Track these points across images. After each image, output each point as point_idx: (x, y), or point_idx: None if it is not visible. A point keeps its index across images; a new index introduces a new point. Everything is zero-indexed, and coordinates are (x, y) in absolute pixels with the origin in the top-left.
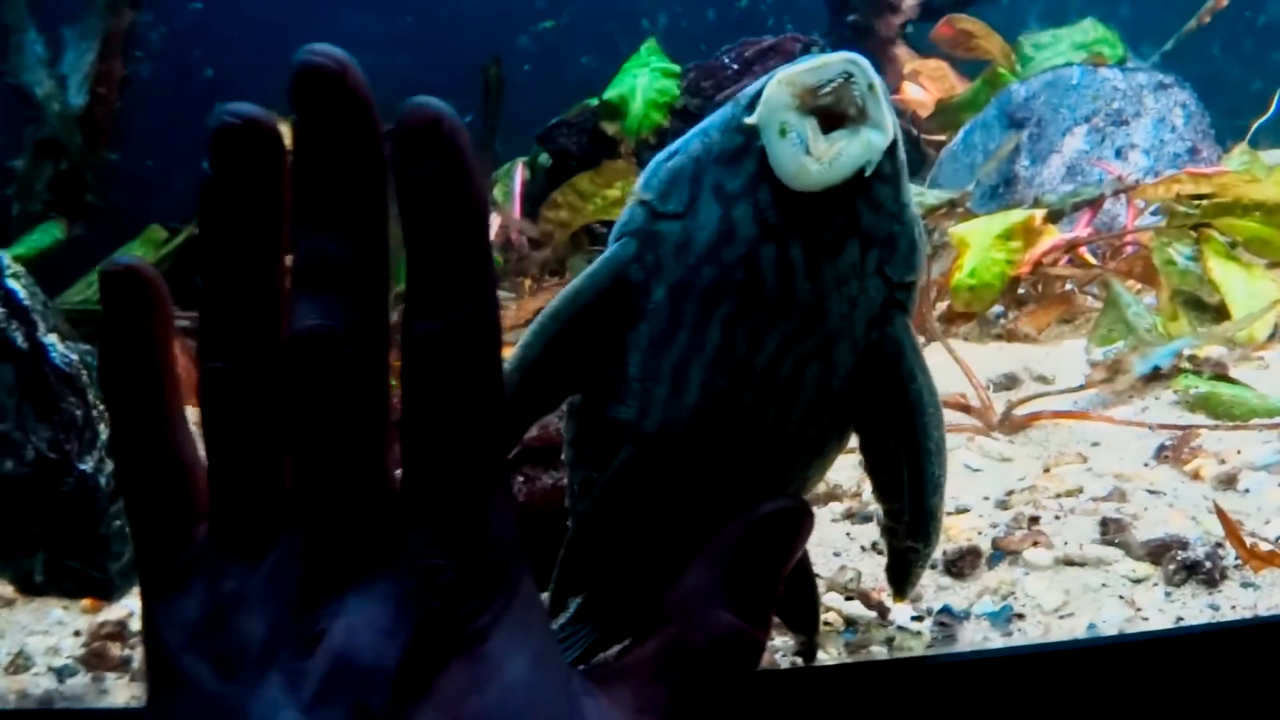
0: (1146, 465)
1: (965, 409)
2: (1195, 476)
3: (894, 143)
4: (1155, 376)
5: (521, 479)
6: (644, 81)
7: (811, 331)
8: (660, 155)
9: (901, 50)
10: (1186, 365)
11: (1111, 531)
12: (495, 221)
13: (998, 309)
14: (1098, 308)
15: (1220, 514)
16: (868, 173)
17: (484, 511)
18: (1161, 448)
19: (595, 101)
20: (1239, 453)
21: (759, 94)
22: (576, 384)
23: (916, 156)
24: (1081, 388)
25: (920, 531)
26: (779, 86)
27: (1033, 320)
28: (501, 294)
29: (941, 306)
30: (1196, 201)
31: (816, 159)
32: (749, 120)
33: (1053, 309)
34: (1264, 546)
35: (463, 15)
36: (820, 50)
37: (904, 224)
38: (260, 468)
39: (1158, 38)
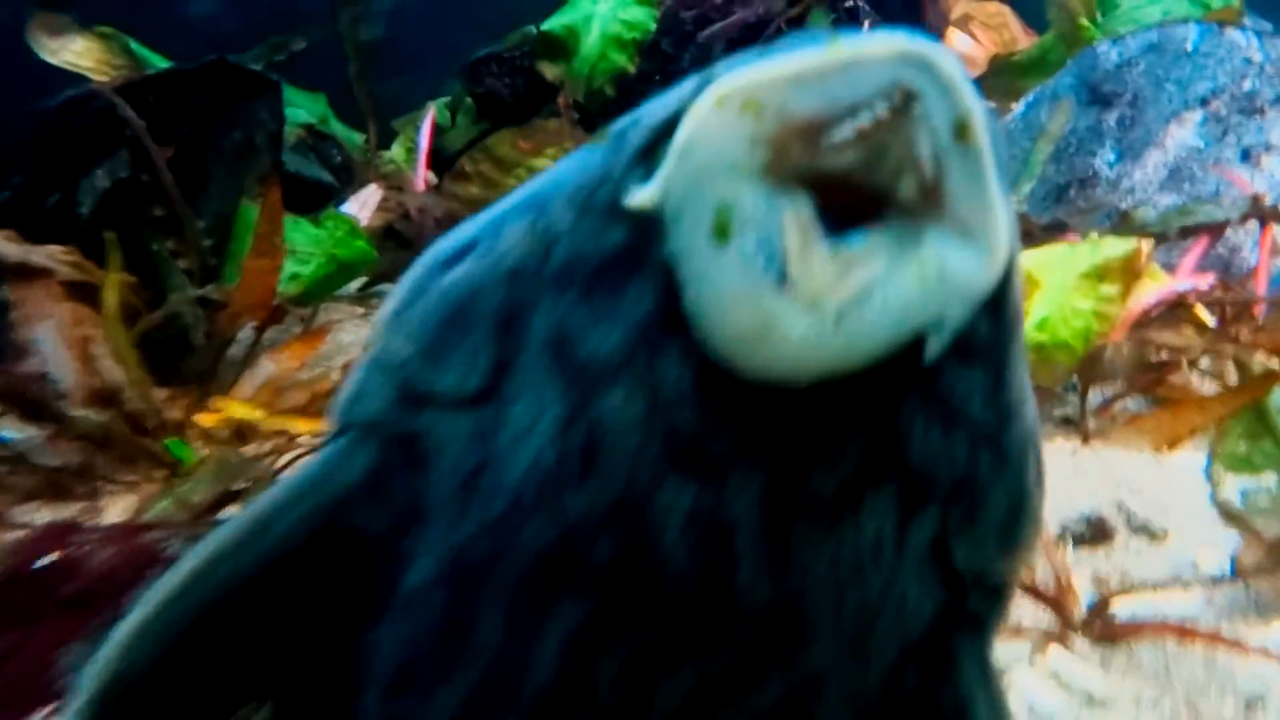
0: None
1: (1030, 590)
2: None
3: (1008, 273)
4: None
5: None
6: (605, 8)
7: (768, 674)
8: (438, 247)
9: None
10: None
11: None
12: (376, 194)
13: (1072, 380)
14: (1209, 390)
15: None
16: (933, 345)
17: None
18: None
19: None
20: None
21: (669, 122)
22: (248, 697)
23: None
24: (1223, 580)
25: None
26: (722, 114)
27: (1137, 431)
28: (378, 300)
29: None
30: None
31: (807, 302)
32: (641, 195)
33: (1180, 417)
34: None
35: None
36: (847, 19)
37: (1006, 454)
38: None
39: None
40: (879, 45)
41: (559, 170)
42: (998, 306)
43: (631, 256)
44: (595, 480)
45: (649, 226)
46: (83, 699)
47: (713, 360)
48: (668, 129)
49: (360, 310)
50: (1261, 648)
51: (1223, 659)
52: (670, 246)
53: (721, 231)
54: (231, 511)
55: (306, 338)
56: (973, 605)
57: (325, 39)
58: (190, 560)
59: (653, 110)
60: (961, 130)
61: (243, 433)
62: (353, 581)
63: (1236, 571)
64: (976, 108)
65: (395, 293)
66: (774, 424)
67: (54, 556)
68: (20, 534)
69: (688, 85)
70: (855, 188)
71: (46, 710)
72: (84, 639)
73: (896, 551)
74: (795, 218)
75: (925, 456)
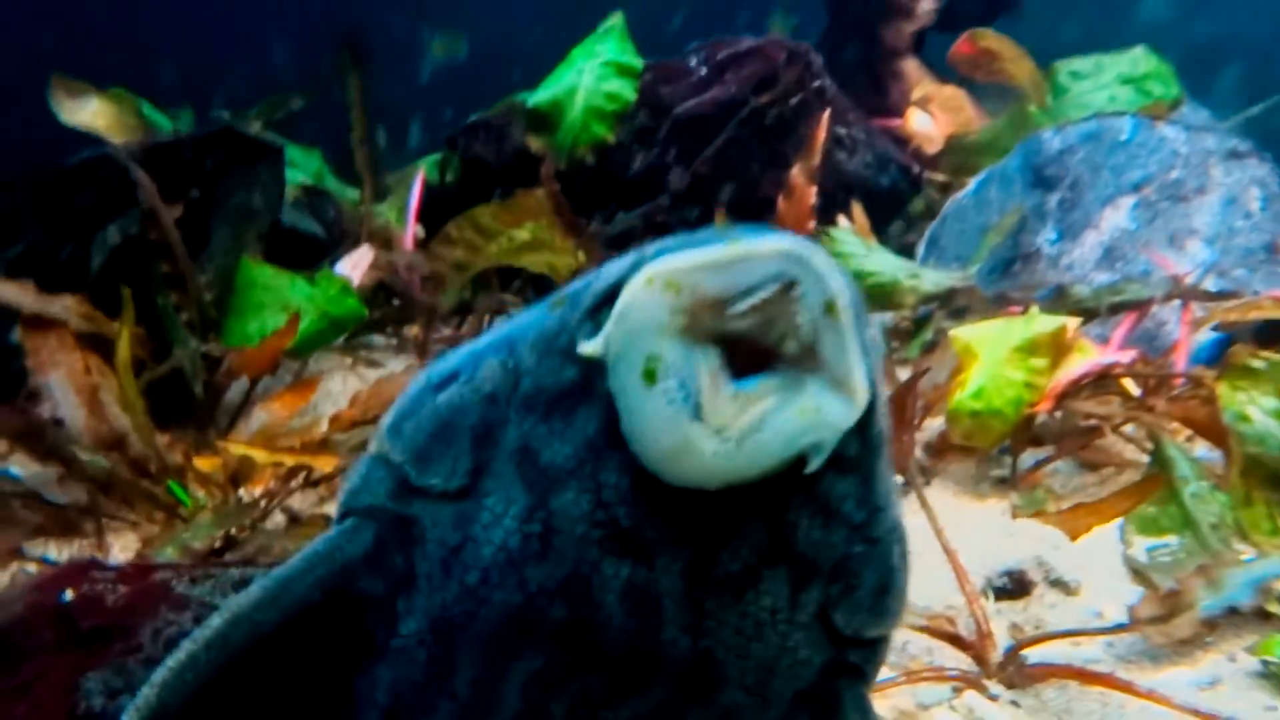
0: None
1: (953, 639)
2: None
3: (871, 407)
4: (1230, 615)
5: None
6: (589, 80)
7: (688, 711)
8: (428, 372)
9: (911, 66)
10: (1276, 606)
11: None
12: (368, 255)
13: (1004, 444)
14: (1135, 460)
15: None
16: (814, 463)
17: None
18: None
19: (526, 99)
20: None
21: (612, 290)
22: None
23: (921, 205)
24: (1122, 628)
25: None
26: (650, 289)
27: (1053, 520)
28: (376, 350)
29: (929, 428)
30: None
31: (715, 429)
32: (589, 346)
33: (1085, 514)
34: None
35: None
36: (816, 100)
37: (874, 542)
38: None
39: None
40: (769, 243)
41: (525, 320)
42: (864, 431)
43: (582, 390)
44: (551, 558)
45: (595, 368)
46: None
47: (644, 469)
48: (610, 296)
49: (349, 361)
50: (1150, 690)
51: (1117, 699)
52: (611, 384)
53: (650, 376)
54: (229, 556)
55: (298, 388)
56: (853, 659)
57: (322, 97)
58: (223, 613)
59: (598, 279)
60: (830, 308)
61: (236, 479)
62: (355, 633)
63: (1132, 621)
64: (842, 292)
65: (393, 407)
66: (692, 517)
67: (73, 593)
68: (33, 567)
69: (625, 261)
70: (752, 345)
71: None
72: (102, 668)
73: (789, 617)
74: (706, 366)
75: (810, 544)
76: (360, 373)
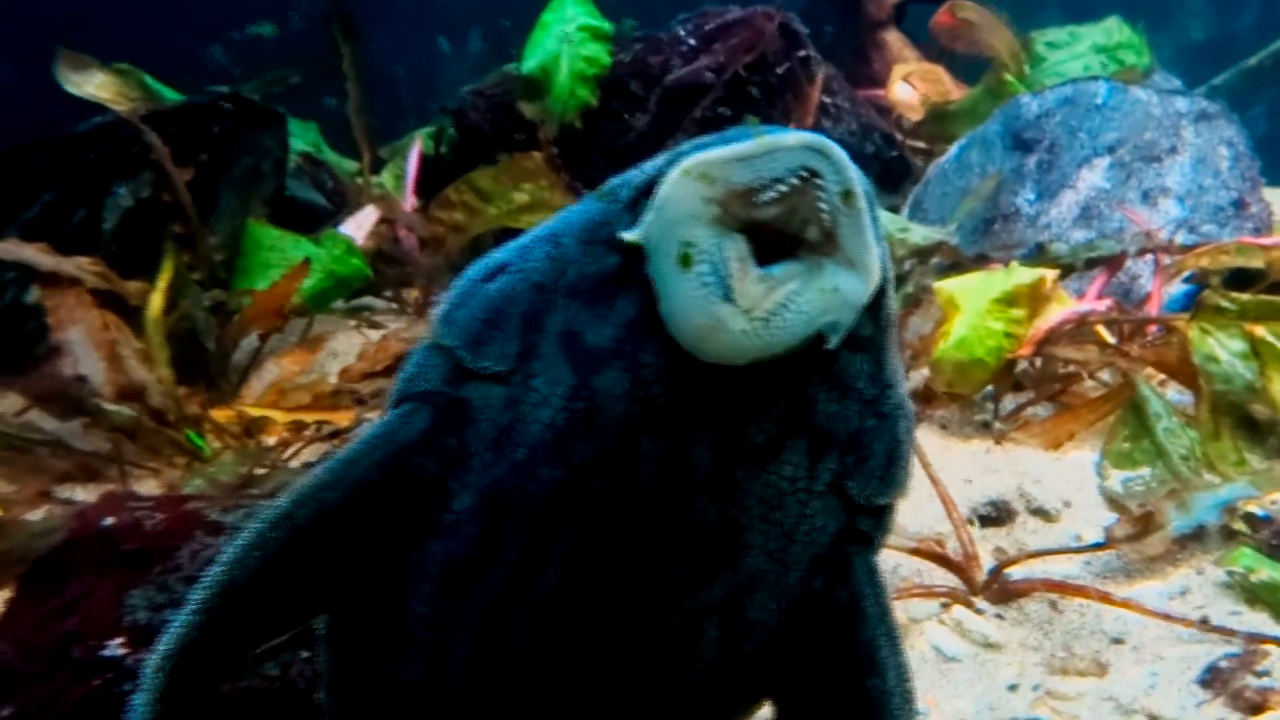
0: (1193, 703)
1: (941, 559)
2: None
3: (882, 290)
4: (1198, 534)
5: None
6: (568, 47)
7: (716, 576)
8: (476, 266)
9: (893, 37)
10: (1241, 525)
11: None
12: (372, 216)
13: (988, 389)
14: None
15: None
16: (832, 340)
17: None
18: (1213, 670)
19: (516, 68)
20: None
21: (649, 184)
22: (324, 604)
23: (900, 168)
24: (1099, 546)
25: None
26: (686, 181)
27: (1034, 433)
28: (378, 313)
29: (915, 378)
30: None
31: (743, 309)
32: (630, 234)
33: (1064, 422)
34: None
35: None
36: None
37: (884, 416)
38: None
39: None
40: (793, 137)
41: (569, 214)
42: (877, 312)
43: (622, 276)
44: (593, 435)
45: (635, 255)
46: (200, 596)
47: (679, 349)
48: (648, 188)
49: (351, 323)
50: (1125, 599)
51: (1094, 609)
52: (650, 269)
53: (685, 260)
54: (253, 490)
55: (305, 345)
56: (863, 526)
57: (317, 72)
58: (290, 494)
59: (636, 174)
60: (847, 196)
61: (250, 430)
62: (409, 512)
63: (1108, 540)
64: (858, 181)
65: (445, 298)
66: (722, 394)
67: (114, 519)
68: (62, 509)
69: (661, 159)
70: (777, 232)
71: (119, 640)
72: (145, 585)
73: (808, 486)
74: (735, 252)
75: (827, 417)
76: (364, 333)
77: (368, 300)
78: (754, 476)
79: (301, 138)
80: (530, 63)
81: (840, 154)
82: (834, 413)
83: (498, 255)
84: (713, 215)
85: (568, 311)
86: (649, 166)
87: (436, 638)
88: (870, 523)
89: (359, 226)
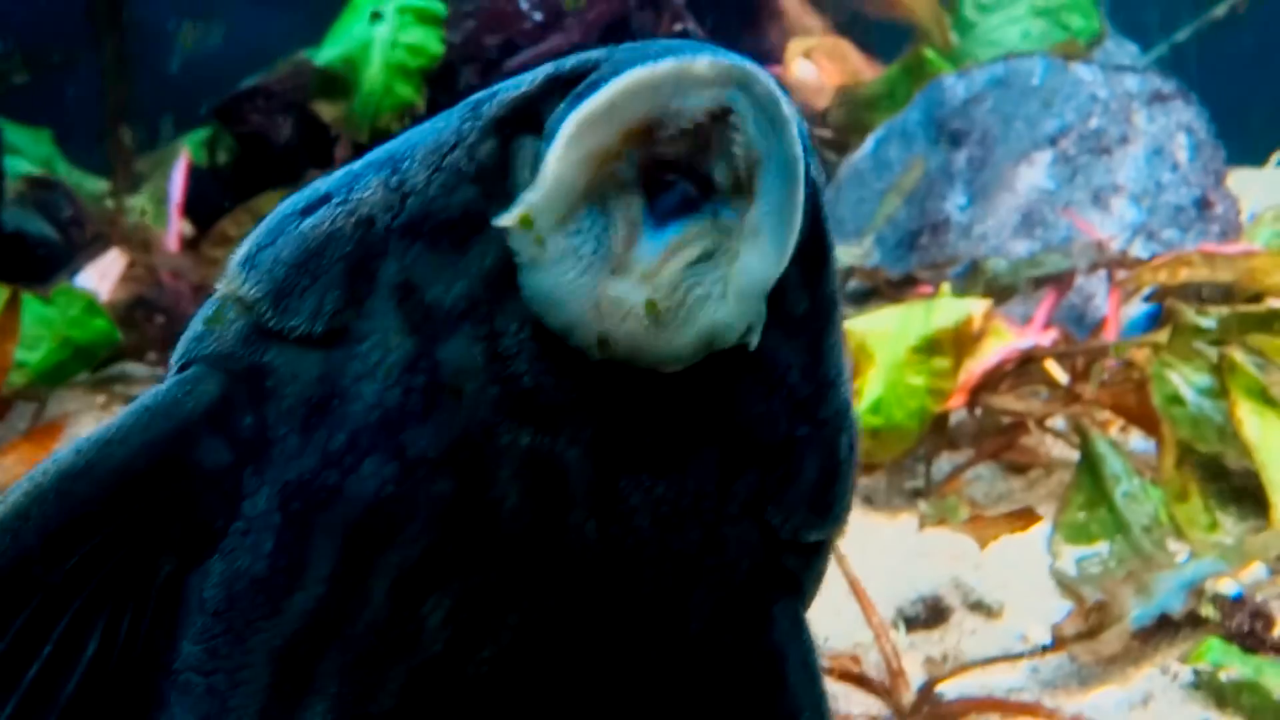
0: None
1: (858, 680)
2: None
3: (824, 258)
4: (1161, 623)
5: None
6: (384, 31)
7: (593, 619)
8: (294, 196)
9: (792, 3)
10: (1210, 609)
11: None
12: (118, 263)
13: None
14: (1064, 458)
15: None
16: (754, 336)
17: None
18: None
19: (312, 56)
20: None
21: (521, 103)
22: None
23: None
24: (1047, 649)
25: None
26: (578, 137)
27: (963, 528)
28: (137, 383)
29: None
30: (1210, 306)
31: (636, 277)
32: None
33: (991, 525)
34: None
35: None
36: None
37: (821, 424)
38: None
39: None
40: (706, 64)
41: (413, 133)
42: (815, 288)
43: (480, 215)
44: (435, 420)
45: (497, 190)
46: None
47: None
48: (520, 108)
49: (99, 398)
50: (1076, 715)
51: None
52: (515, 215)
53: (561, 219)
54: None
55: (36, 436)
56: (788, 565)
57: (57, 66)
58: (22, 485)
59: (507, 88)
60: (774, 123)
61: None
62: (189, 521)
63: (1056, 642)
64: (788, 109)
65: (249, 237)
66: (607, 379)
67: None
68: None
69: (541, 71)
70: (680, 169)
71: None
72: None
73: (717, 506)
74: (626, 211)
75: (746, 418)
76: (116, 413)
77: (123, 367)
78: (647, 490)
79: (30, 152)
80: (329, 52)
81: (766, 82)
82: (756, 413)
83: (321, 183)
84: (603, 177)
85: (405, 258)
86: (524, 77)
87: (212, 686)
88: (797, 562)
89: (103, 275)
